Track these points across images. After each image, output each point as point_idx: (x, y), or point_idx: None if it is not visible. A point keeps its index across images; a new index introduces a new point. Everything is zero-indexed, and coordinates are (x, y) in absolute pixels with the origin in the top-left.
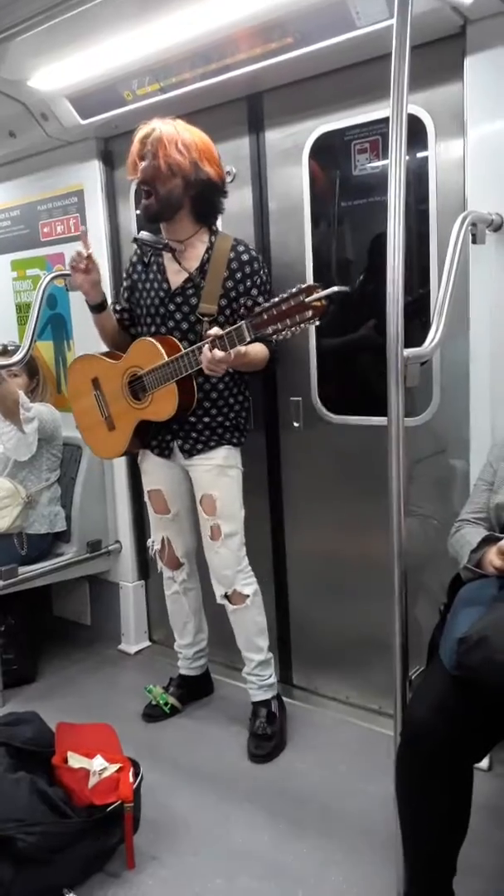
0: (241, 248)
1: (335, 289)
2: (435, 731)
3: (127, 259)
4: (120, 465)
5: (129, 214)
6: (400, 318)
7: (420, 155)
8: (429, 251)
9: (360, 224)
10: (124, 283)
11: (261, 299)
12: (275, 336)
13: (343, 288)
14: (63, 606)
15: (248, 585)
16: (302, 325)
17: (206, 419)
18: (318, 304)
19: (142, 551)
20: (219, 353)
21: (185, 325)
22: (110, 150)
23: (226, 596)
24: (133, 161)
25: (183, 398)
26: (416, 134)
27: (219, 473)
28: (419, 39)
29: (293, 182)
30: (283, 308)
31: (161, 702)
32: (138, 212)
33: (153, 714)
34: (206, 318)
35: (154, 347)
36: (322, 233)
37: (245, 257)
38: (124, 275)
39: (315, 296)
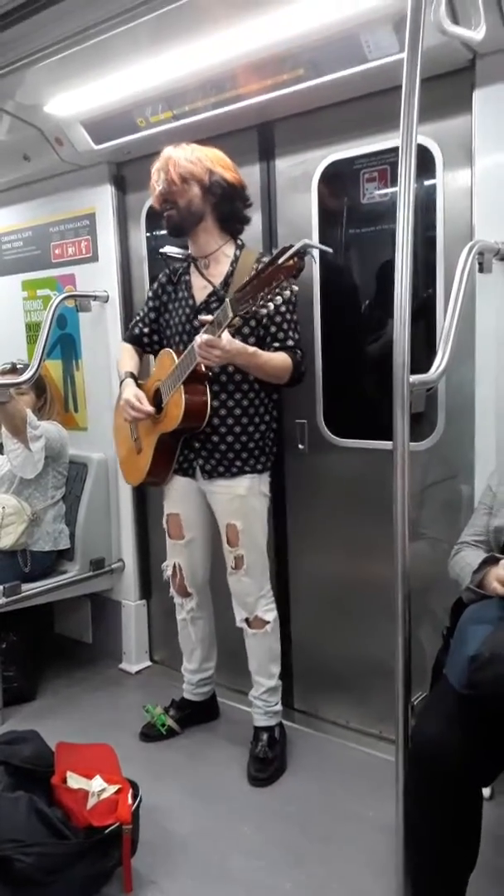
0: (264, 260)
1: (302, 242)
2: (444, 750)
3: (137, 280)
4: (125, 482)
5: (140, 238)
6: (407, 345)
7: (428, 184)
8: (435, 278)
9: (367, 251)
10: (151, 304)
11: (283, 309)
12: (262, 308)
13: (309, 242)
14: (65, 624)
15: (269, 612)
16: (279, 290)
17: (230, 438)
18: (291, 262)
19: (145, 570)
20: (205, 336)
21: None
22: (122, 174)
23: (246, 620)
24: (154, 194)
25: (191, 400)
26: (425, 164)
27: (242, 503)
28: (429, 72)
29: (302, 209)
30: (262, 277)
31: (158, 723)
32: (148, 234)
33: (150, 734)
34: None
35: (169, 355)
36: (330, 259)
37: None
38: (150, 294)
39: (285, 255)
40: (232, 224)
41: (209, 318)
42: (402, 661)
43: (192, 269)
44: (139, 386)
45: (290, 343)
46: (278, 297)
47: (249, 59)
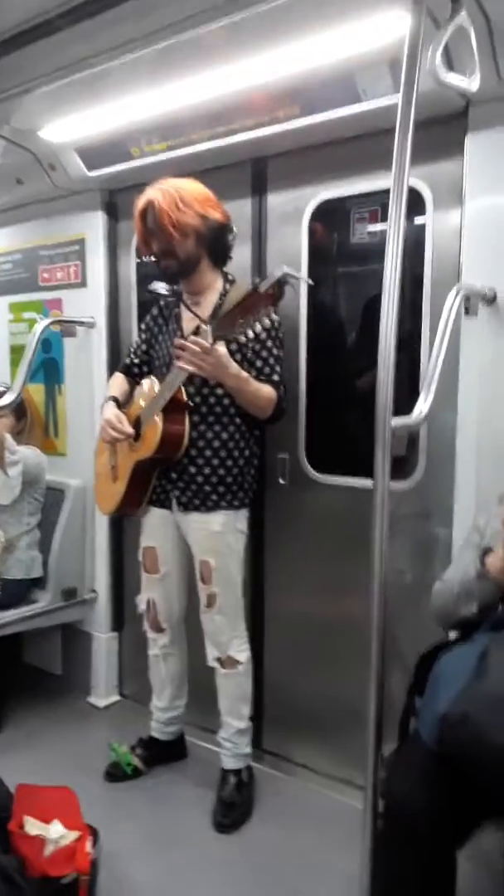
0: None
1: (281, 271)
2: (416, 809)
3: (125, 308)
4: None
5: (130, 265)
6: (390, 388)
7: (417, 224)
8: (420, 319)
9: (355, 289)
10: (143, 336)
11: (269, 343)
12: (241, 335)
13: (287, 270)
14: (33, 654)
15: (242, 652)
16: (257, 318)
17: (207, 470)
18: (270, 290)
19: (118, 601)
20: (198, 339)
21: None
22: (114, 201)
23: (218, 660)
24: (142, 240)
25: (169, 428)
26: (415, 206)
27: (216, 540)
28: (422, 115)
29: (292, 245)
30: (243, 305)
31: (124, 762)
32: (138, 260)
33: (115, 773)
34: None
35: (150, 383)
36: (317, 295)
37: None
38: (143, 326)
39: (265, 284)
40: (222, 259)
41: (183, 341)
42: (373, 712)
43: (181, 303)
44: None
45: (276, 378)
46: (257, 325)
47: (246, 95)
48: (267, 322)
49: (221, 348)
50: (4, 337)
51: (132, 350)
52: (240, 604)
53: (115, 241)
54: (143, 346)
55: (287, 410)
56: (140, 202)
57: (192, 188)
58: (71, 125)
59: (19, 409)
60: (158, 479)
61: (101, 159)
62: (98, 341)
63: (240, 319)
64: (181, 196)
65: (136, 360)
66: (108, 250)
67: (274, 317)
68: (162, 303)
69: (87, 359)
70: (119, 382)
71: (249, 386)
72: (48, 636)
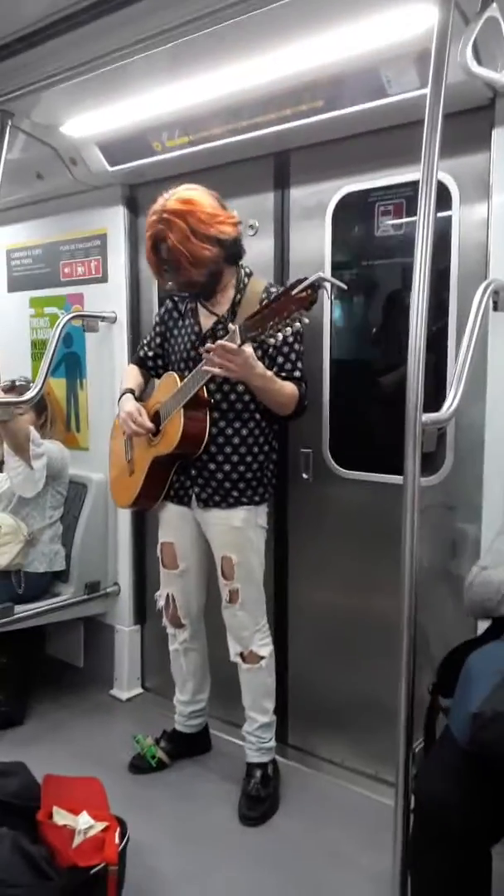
0: (273, 290)
1: (317, 276)
2: (449, 807)
3: (146, 303)
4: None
5: None
6: (420, 384)
7: (443, 219)
8: (447, 314)
9: (379, 283)
10: (157, 329)
11: (291, 339)
12: (270, 338)
13: (323, 276)
14: (56, 646)
15: (265, 647)
16: (289, 321)
17: (227, 467)
18: (304, 294)
19: (140, 595)
20: (226, 342)
21: None
22: (135, 196)
23: (240, 655)
24: (157, 272)
25: (190, 424)
26: (441, 198)
27: (237, 535)
28: (449, 109)
29: (315, 239)
30: (274, 307)
31: (148, 755)
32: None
33: (139, 766)
34: None
35: (172, 378)
36: (342, 291)
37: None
38: (157, 319)
39: (299, 287)
40: (239, 257)
41: (213, 346)
42: (404, 709)
43: (197, 300)
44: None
45: (297, 374)
46: (287, 329)
47: (269, 89)
48: (298, 325)
49: (248, 350)
50: (26, 332)
51: (146, 342)
52: (261, 598)
53: (136, 235)
54: (158, 339)
55: (308, 407)
56: (149, 236)
57: (199, 208)
58: (92, 120)
59: (40, 404)
60: (177, 474)
61: (122, 154)
62: (119, 336)
63: (270, 322)
64: (191, 227)
65: (150, 353)
66: (129, 245)
67: (305, 320)
68: (176, 297)
69: (109, 353)
70: (134, 374)
71: (274, 385)
72: (71, 629)
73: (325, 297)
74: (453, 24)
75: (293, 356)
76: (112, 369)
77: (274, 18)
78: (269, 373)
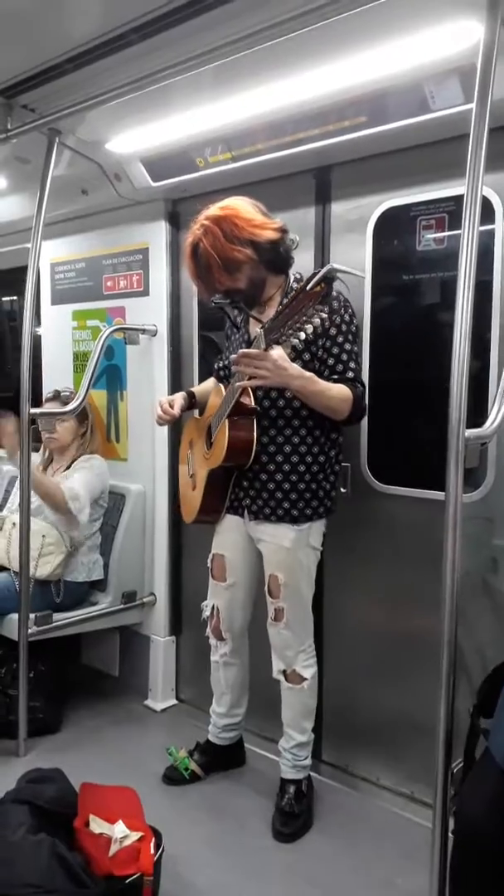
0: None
1: (328, 267)
2: (489, 833)
3: (186, 316)
4: (162, 516)
5: None
6: (464, 399)
7: (485, 233)
8: (490, 328)
9: (421, 298)
10: (226, 344)
11: (340, 339)
12: (292, 337)
13: (336, 266)
14: (92, 655)
15: (308, 668)
16: (307, 318)
17: (279, 476)
18: (318, 288)
19: (176, 606)
20: (234, 355)
21: None
22: (177, 211)
23: (283, 673)
24: (193, 275)
25: (235, 435)
26: (484, 213)
27: (287, 556)
28: (493, 123)
29: (356, 254)
30: (292, 305)
31: (181, 766)
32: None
33: (173, 777)
34: None
35: (219, 390)
36: (382, 305)
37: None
38: (228, 334)
39: (312, 281)
40: (284, 265)
41: (236, 356)
42: (443, 730)
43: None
44: (197, 420)
45: (350, 374)
46: (308, 326)
47: (312, 106)
48: (317, 321)
49: (275, 352)
50: (69, 344)
51: (220, 356)
52: (308, 619)
53: (178, 250)
54: (225, 353)
55: (367, 409)
56: (188, 243)
57: (236, 213)
58: (137, 137)
59: (82, 414)
60: (234, 487)
61: (165, 170)
62: (159, 349)
63: (289, 321)
64: (224, 230)
65: (219, 366)
66: (171, 259)
67: (324, 315)
68: (227, 309)
69: (149, 366)
70: (206, 383)
71: (316, 386)
72: (107, 638)
73: (366, 307)
74: (499, 40)
75: (344, 356)
76: (152, 381)
77: (318, 36)
78: (308, 373)
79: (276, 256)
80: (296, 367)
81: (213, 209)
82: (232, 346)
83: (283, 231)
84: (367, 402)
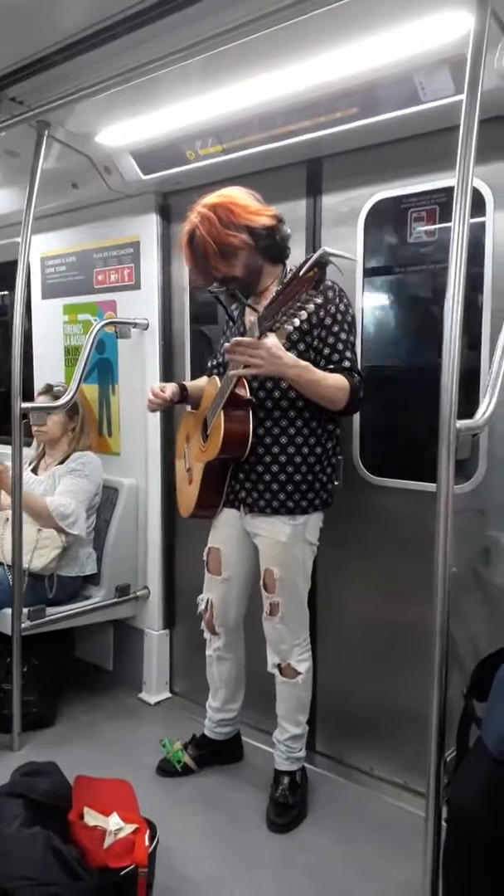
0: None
1: (321, 251)
2: (482, 821)
3: (178, 310)
4: (154, 509)
5: (183, 268)
6: (455, 390)
7: (476, 225)
8: (481, 320)
9: (412, 290)
10: (221, 340)
11: (335, 328)
12: (286, 324)
13: (328, 250)
14: (86, 649)
15: (303, 662)
16: (301, 304)
17: (275, 468)
18: (311, 273)
19: (170, 599)
20: (227, 345)
21: None
22: (168, 204)
23: (278, 666)
24: (189, 263)
25: (230, 427)
26: (474, 204)
27: (282, 551)
28: (483, 115)
29: (347, 245)
30: (285, 291)
31: (174, 759)
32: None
33: (166, 769)
34: None
35: (213, 382)
36: (373, 297)
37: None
38: (224, 328)
39: (305, 267)
40: (280, 254)
41: (228, 345)
42: (436, 719)
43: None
44: (193, 414)
45: (346, 364)
46: (302, 312)
47: (304, 97)
48: (311, 307)
49: (269, 341)
50: (60, 338)
51: (213, 355)
52: (304, 614)
53: (169, 243)
54: (221, 349)
55: (362, 400)
56: (185, 231)
57: (232, 200)
58: (127, 129)
59: (72, 408)
60: (230, 480)
61: (156, 163)
62: (151, 342)
63: (282, 307)
64: (220, 216)
65: (212, 364)
66: (162, 253)
67: (318, 301)
68: (222, 300)
69: (141, 360)
70: (199, 380)
71: (312, 375)
72: (100, 632)
73: (358, 298)
74: (489, 31)
75: (339, 345)
76: (143, 375)
77: (309, 27)
78: (304, 363)
79: (272, 244)
80: (291, 356)
81: (210, 197)
82: (228, 340)
83: (279, 219)
84: (362, 392)
